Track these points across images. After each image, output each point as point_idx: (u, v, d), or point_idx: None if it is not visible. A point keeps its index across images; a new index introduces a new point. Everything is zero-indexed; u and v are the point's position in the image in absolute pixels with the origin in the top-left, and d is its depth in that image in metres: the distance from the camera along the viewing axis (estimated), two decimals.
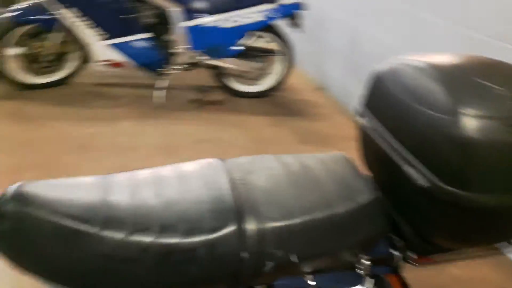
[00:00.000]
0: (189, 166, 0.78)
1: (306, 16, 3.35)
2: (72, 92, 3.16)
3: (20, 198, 0.62)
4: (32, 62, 3.05)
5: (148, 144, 2.60)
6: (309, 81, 3.87)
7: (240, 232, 0.66)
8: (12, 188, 0.64)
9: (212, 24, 2.97)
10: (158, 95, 3.12)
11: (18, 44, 2.96)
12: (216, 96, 3.34)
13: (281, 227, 0.68)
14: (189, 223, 0.65)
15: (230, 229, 0.66)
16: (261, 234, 0.66)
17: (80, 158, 2.36)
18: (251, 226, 0.66)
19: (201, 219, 0.66)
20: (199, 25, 2.97)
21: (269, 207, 0.69)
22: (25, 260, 0.63)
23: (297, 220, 0.69)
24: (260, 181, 0.74)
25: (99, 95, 3.22)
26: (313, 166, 0.80)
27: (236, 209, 0.68)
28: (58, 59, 3.09)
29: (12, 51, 2.94)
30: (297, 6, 3.07)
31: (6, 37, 2.90)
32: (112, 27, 2.85)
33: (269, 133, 2.89)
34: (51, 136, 2.57)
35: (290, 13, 3.07)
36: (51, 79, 3.14)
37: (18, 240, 0.62)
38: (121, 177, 0.74)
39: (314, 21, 3.66)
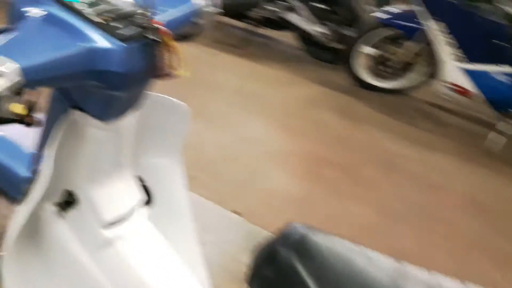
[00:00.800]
0: None
1: None
2: (401, 104, 3.04)
3: (298, 249, 0.53)
4: (379, 64, 3.07)
5: (455, 190, 2.21)
6: None
7: None
8: (296, 232, 0.55)
9: None
10: (495, 139, 2.60)
11: (375, 45, 3.02)
12: None
13: None
14: None
15: None
16: None
17: (381, 175, 2.22)
18: None
19: None
20: None
21: None
22: None
23: None
24: None
25: (426, 115, 2.97)
26: None
27: None
28: (403, 69, 3.00)
29: (368, 50, 3.03)
30: None
31: (368, 35, 3.00)
32: (475, 50, 2.50)
33: None
34: (362, 141, 2.53)
35: None
36: (389, 86, 3.09)
37: None
38: (419, 275, 0.54)
39: None
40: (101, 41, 0.66)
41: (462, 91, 2.60)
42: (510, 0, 2.32)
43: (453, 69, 2.58)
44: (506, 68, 2.44)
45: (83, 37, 0.65)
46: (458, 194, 2.18)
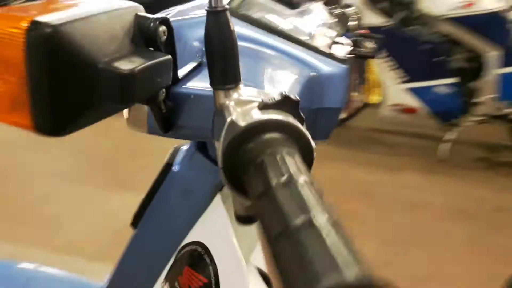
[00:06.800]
0: None
1: None
2: (347, 135, 3.10)
3: None
4: None
5: (434, 202, 2.26)
6: None
7: None
8: None
9: None
10: (444, 148, 2.74)
11: None
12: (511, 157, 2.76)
13: None
14: None
15: None
16: None
17: (364, 207, 2.20)
18: None
19: None
20: None
21: None
22: None
23: None
24: None
25: (376, 141, 3.07)
26: None
27: None
28: None
29: None
30: None
31: None
32: (416, 70, 2.66)
33: None
34: (333, 177, 2.50)
35: None
36: None
37: None
38: None
39: None
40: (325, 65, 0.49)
41: (408, 110, 2.72)
42: (439, 20, 2.53)
43: (396, 91, 2.71)
44: (444, 81, 2.63)
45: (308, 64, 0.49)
46: (437, 208, 2.22)
